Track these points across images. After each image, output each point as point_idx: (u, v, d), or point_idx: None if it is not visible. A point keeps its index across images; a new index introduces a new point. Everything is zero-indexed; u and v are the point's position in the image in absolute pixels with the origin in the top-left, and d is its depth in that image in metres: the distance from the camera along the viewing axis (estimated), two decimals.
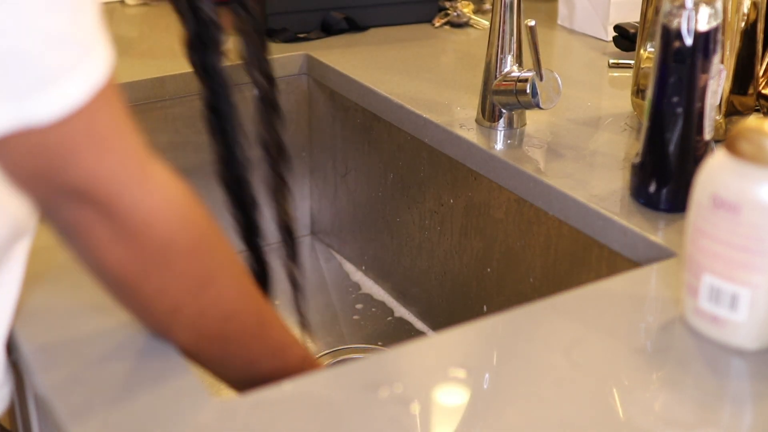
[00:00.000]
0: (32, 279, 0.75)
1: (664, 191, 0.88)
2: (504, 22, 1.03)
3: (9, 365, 0.71)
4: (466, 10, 1.44)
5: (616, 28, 1.32)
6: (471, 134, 1.06)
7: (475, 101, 1.09)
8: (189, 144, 1.29)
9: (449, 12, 1.44)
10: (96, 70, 0.55)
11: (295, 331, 0.88)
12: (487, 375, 0.68)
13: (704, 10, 0.83)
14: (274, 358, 0.72)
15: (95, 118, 0.55)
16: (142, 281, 0.61)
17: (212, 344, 0.68)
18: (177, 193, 0.61)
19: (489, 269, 1.07)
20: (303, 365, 0.73)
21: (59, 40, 0.53)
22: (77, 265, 0.64)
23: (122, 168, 0.57)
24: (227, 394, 0.86)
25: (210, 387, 0.68)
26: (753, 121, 0.67)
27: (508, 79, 1.03)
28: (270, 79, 0.85)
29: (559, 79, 1.00)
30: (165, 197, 0.60)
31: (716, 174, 0.67)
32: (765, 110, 1.05)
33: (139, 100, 1.20)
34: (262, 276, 0.86)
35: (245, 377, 0.71)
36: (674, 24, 0.84)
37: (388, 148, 1.20)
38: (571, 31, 1.42)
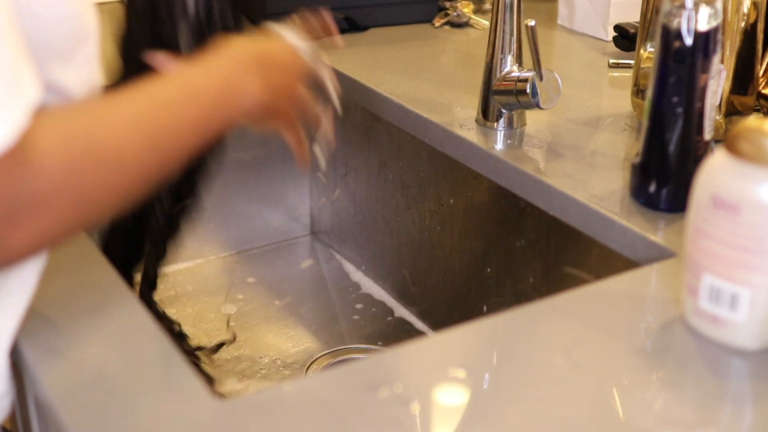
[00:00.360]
0: None
1: (664, 191, 0.88)
2: (504, 22, 1.03)
3: (12, 375, 0.71)
4: (466, 10, 1.44)
5: (616, 28, 1.32)
6: (471, 134, 1.06)
7: (475, 101, 1.09)
8: None
9: (449, 12, 1.44)
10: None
11: None
12: (487, 375, 0.68)
13: (704, 10, 0.83)
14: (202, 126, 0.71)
15: None
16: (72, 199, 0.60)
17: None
18: (52, 137, 0.58)
19: (489, 269, 1.07)
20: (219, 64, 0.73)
21: None
22: (78, 265, 0.64)
23: None
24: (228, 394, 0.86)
25: (210, 387, 0.68)
26: (753, 121, 0.67)
27: (508, 79, 1.03)
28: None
29: (559, 79, 1.00)
30: (48, 162, 0.57)
31: (716, 174, 0.67)
32: (765, 110, 1.05)
33: None
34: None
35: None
36: (674, 24, 0.84)
37: (388, 148, 1.20)
38: (571, 31, 1.42)
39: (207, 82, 0.71)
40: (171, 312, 1.22)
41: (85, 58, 0.69)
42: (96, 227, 0.68)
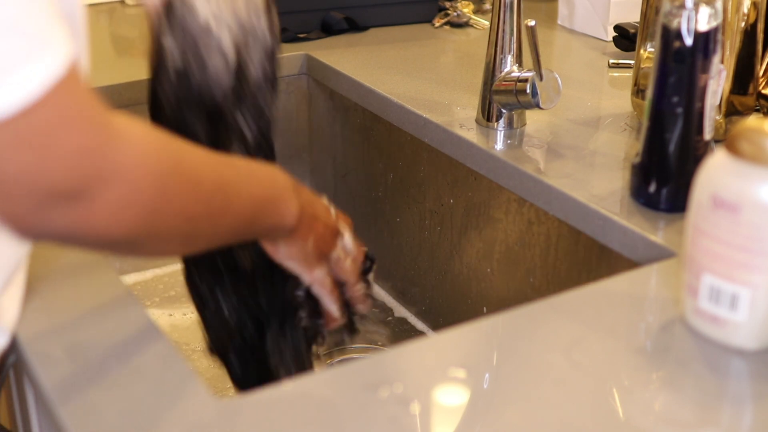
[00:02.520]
0: (32, 279, 0.75)
1: (664, 191, 0.88)
2: (504, 22, 1.03)
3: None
4: (466, 10, 1.44)
5: (616, 28, 1.32)
6: (471, 134, 1.06)
7: (475, 101, 1.09)
8: None
9: (449, 12, 1.44)
10: (53, 62, 0.55)
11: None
12: (487, 375, 0.68)
13: (704, 10, 0.83)
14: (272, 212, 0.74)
15: (60, 104, 0.55)
16: (157, 224, 0.62)
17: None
18: (147, 138, 0.61)
19: (489, 269, 1.07)
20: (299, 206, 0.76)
21: (8, 31, 0.53)
22: (78, 265, 0.64)
23: (95, 141, 0.57)
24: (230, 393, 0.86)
25: (210, 387, 0.68)
26: (753, 121, 0.67)
27: (508, 79, 1.03)
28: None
29: (559, 79, 1.00)
30: (140, 147, 0.60)
31: (716, 174, 0.67)
32: (765, 110, 1.05)
33: (139, 100, 1.19)
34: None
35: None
36: (674, 24, 0.84)
37: (388, 148, 1.20)
38: (571, 31, 1.42)
39: (265, 181, 0.73)
40: (171, 312, 1.22)
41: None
42: (151, 255, 0.69)
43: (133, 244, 0.62)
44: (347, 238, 0.84)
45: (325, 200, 0.84)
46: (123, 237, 0.60)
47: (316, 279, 0.82)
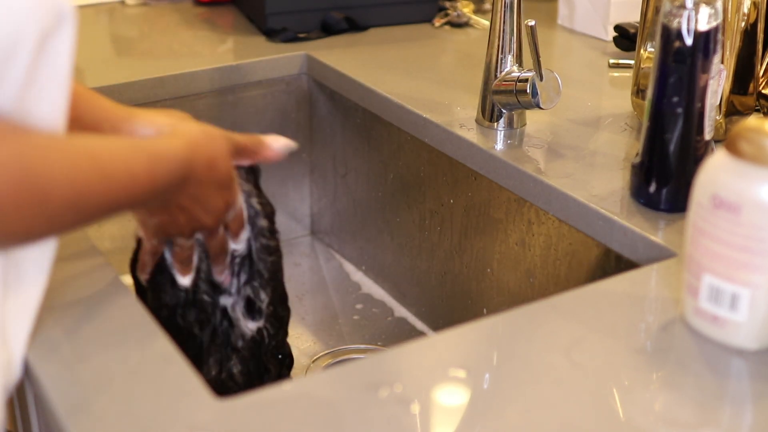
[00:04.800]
0: None
1: (664, 191, 0.88)
2: (504, 22, 1.03)
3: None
4: (466, 10, 1.44)
5: (616, 28, 1.32)
6: (471, 134, 1.06)
7: (475, 101, 1.09)
8: None
9: (449, 12, 1.44)
10: None
11: None
12: (487, 375, 0.68)
13: (704, 10, 0.83)
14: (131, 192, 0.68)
15: None
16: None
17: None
18: None
19: (489, 269, 1.07)
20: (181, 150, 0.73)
21: None
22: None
23: None
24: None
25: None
26: (753, 121, 0.67)
27: (508, 79, 1.03)
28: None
29: (559, 79, 1.00)
30: None
31: (716, 174, 0.67)
32: (765, 110, 1.05)
33: (139, 100, 1.20)
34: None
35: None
36: (674, 24, 0.84)
37: (388, 148, 1.20)
38: (571, 31, 1.42)
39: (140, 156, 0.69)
40: None
41: (17, 80, 0.61)
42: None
43: None
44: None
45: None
46: None
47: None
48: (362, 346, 1.18)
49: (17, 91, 0.61)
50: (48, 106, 0.64)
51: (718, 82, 0.88)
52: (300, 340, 1.18)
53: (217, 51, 1.32)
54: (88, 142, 0.66)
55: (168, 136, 0.77)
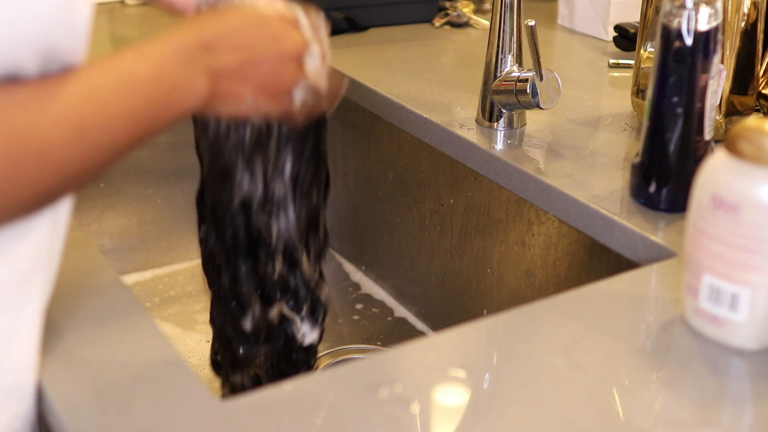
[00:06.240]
0: None
1: (664, 191, 0.88)
2: (504, 22, 1.03)
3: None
4: (466, 10, 1.44)
5: (616, 28, 1.32)
6: (471, 134, 1.06)
7: (475, 101, 1.09)
8: (189, 144, 1.29)
9: (449, 12, 1.44)
10: None
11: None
12: (487, 375, 0.68)
13: (704, 10, 0.83)
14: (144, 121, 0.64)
15: None
16: None
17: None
18: None
19: (489, 269, 1.07)
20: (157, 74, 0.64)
21: None
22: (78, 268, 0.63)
23: None
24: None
25: (210, 387, 0.68)
26: (753, 121, 0.67)
27: (508, 79, 1.03)
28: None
29: (559, 79, 1.00)
30: None
31: (716, 174, 0.67)
32: (765, 110, 1.05)
33: None
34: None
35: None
36: (674, 24, 0.84)
37: (388, 148, 1.20)
38: (571, 31, 1.42)
39: (143, 70, 0.63)
40: (171, 312, 1.22)
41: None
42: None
43: None
44: (315, 52, 0.74)
45: (284, 15, 0.73)
46: None
47: (279, 117, 0.75)
48: (362, 346, 1.18)
49: None
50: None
51: (718, 82, 0.88)
52: None
53: None
54: (75, 87, 0.61)
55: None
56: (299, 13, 0.76)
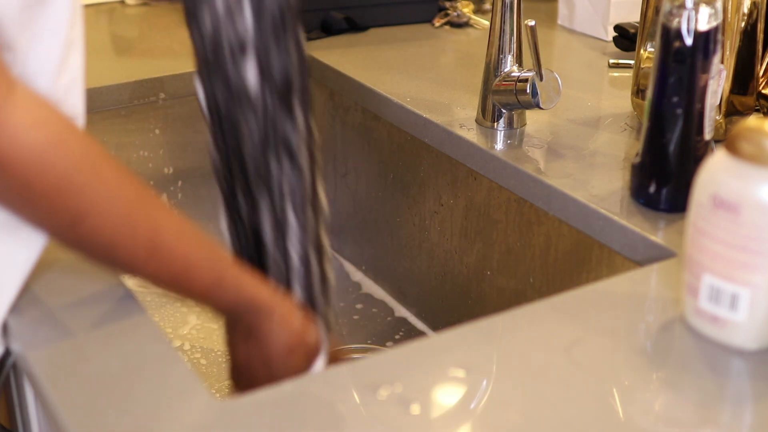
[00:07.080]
0: (31, 280, 0.75)
1: (664, 191, 0.88)
2: (504, 22, 1.03)
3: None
4: (466, 10, 1.44)
5: (616, 28, 1.32)
6: (471, 134, 1.06)
7: (475, 101, 1.09)
8: (189, 144, 1.29)
9: (449, 12, 1.44)
10: None
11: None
12: (487, 375, 0.68)
13: (704, 10, 0.83)
14: (175, 282, 0.68)
15: None
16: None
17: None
18: (46, 113, 0.58)
19: (489, 270, 1.07)
20: (211, 290, 0.70)
21: None
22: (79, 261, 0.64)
23: None
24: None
25: (210, 387, 0.68)
26: (753, 121, 0.67)
27: (508, 79, 1.03)
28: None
29: (559, 79, 1.00)
30: (33, 116, 0.57)
31: (716, 174, 0.67)
32: (765, 110, 1.05)
33: (140, 100, 1.20)
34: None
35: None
36: (674, 24, 0.84)
37: (388, 148, 1.20)
38: (571, 31, 1.42)
39: (198, 275, 0.69)
40: (172, 312, 1.22)
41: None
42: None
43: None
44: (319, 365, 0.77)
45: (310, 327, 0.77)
46: None
47: None
48: (362, 346, 1.18)
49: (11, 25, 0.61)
50: (44, 54, 0.65)
51: (718, 82, 0.88)
52: None
53: None
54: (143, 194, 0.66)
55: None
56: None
